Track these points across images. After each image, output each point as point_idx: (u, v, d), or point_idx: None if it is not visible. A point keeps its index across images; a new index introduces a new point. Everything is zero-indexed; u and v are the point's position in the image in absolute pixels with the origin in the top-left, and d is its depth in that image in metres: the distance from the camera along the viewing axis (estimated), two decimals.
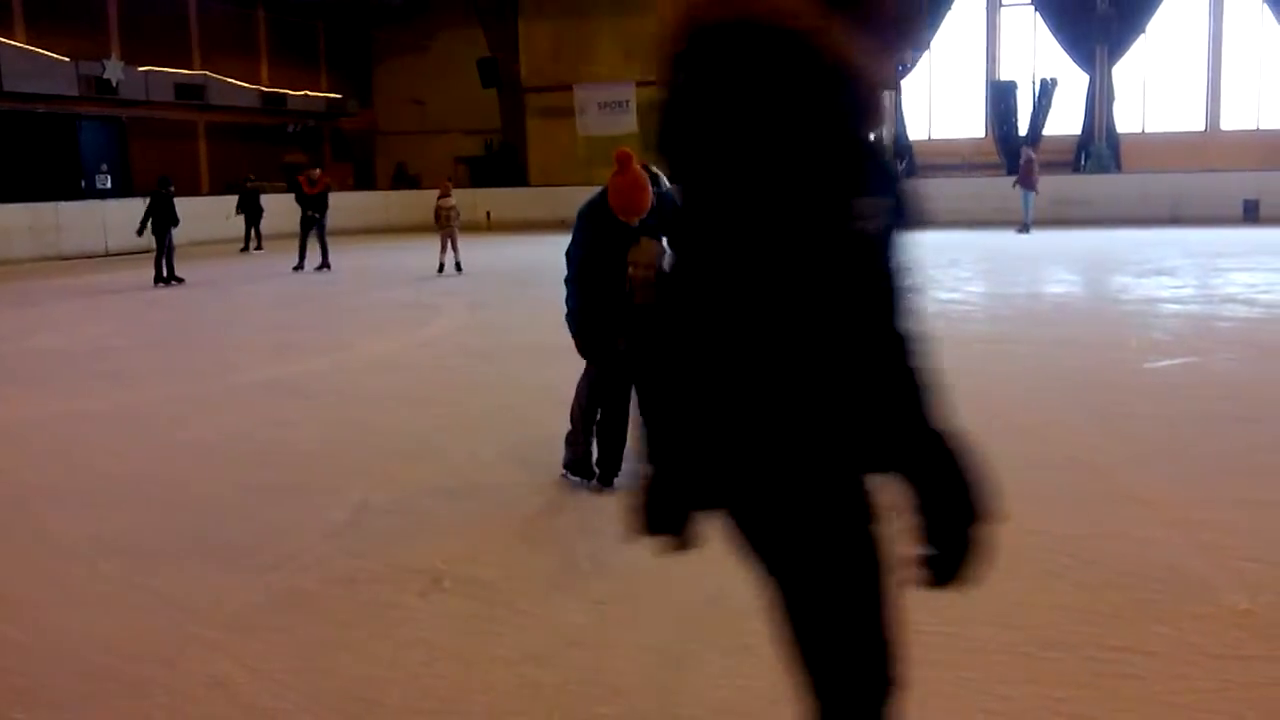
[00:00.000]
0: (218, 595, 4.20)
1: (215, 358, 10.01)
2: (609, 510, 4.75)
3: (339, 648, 3.70)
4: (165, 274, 16.46)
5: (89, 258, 21.77)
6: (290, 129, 30.22)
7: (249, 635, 3.82)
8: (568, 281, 5.28)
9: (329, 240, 18.05)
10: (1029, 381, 7.75)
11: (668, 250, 4.39)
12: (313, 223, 17.94)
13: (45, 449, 6.70)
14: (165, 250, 16.40)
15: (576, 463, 5.42)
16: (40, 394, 8.43)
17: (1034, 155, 22.28)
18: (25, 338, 11.56)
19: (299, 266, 17.93)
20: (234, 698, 3.35)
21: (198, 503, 5.45)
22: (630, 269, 4.96)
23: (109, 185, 24.85)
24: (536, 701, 3.27)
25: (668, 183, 4.53)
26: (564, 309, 5.32)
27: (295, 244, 18.21)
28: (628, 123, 28.29)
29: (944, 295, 12.79)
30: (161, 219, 16.42)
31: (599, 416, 5.35)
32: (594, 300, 5.15)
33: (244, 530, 4.98)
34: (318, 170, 18.81)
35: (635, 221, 5.04)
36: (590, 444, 5.39)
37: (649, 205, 5.03)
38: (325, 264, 17.92)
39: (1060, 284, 14.14)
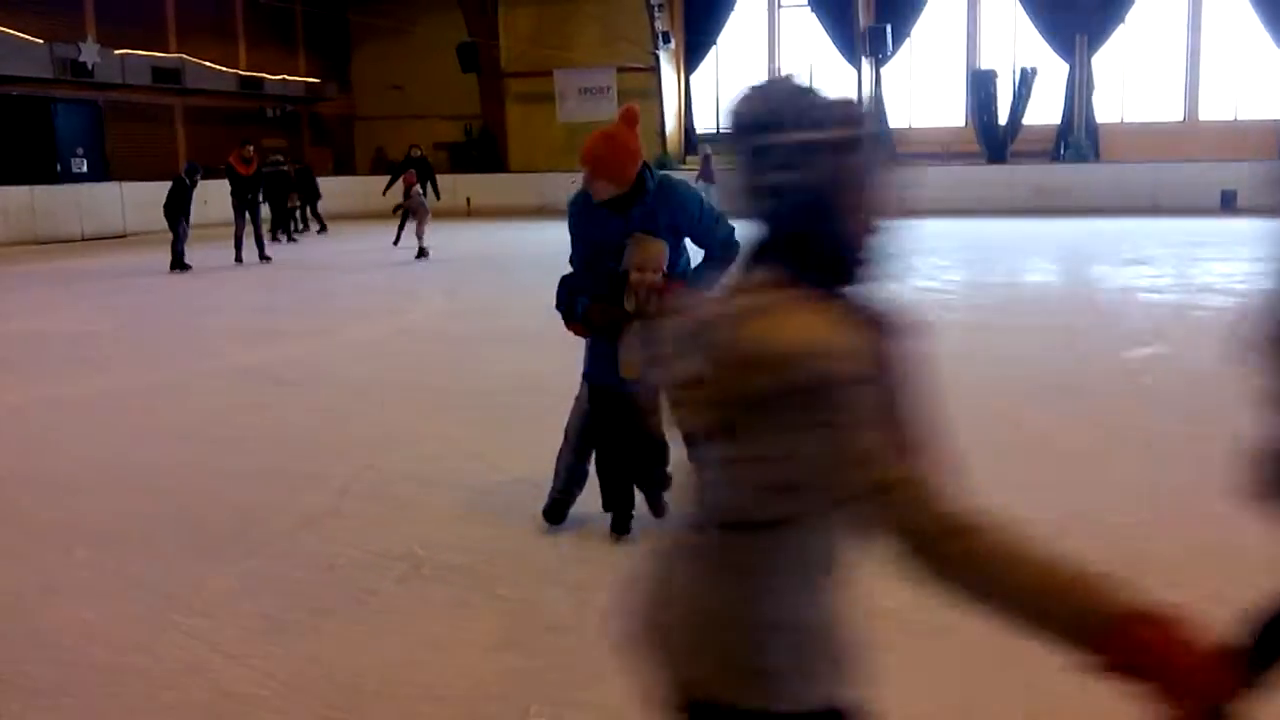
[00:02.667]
0: (196, 581, 4.19)
1: (193, 343, 9.96)
2: (588, 496, 4.75)
3: (318, 634, 3.70)
4: (180, 261, 16.12)
5: (65, 242, 21.59)
6: (269, 113, 30.00)
7: (227, 621, 3.82)
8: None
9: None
10: (1005, 368, 7.79)
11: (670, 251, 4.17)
12: (252, 206, 17.24)
13: (21, 435, 6.66)
14: (180, 237, 16.06)
15: (552, 506, 4.65)
16: (16, 379, 8.37)
17: (710, 152, 23.07)
18: (1, 323, 11.47)
19: (239, 259, 17.07)
20: (212, 683, 3.35)
21: (175, 489, 5.43)
22: (633, 274, 4.13)
23: (85, 169, 24.62)
24: (516, 687, 3.28)
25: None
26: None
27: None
28: (608, 109, 28.20)
29: (922, 283, 12.84)
30: (176, 206, 16.13)
31: (597, 455, 4.58)
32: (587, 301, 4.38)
33: (222, 516, 4.97)
34: (251, 147, 18.03)
35: (605, 193, 4.19)
36: (573, 490, 4.65)
37: (622, 178, 4.16)
38: (264, 255, 17.17)
39: (1039, 273, 14.21)
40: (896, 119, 27.80)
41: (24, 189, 21.87)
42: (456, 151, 30.63)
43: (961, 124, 27.62)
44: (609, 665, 3.38)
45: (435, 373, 8.45)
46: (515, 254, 17.24)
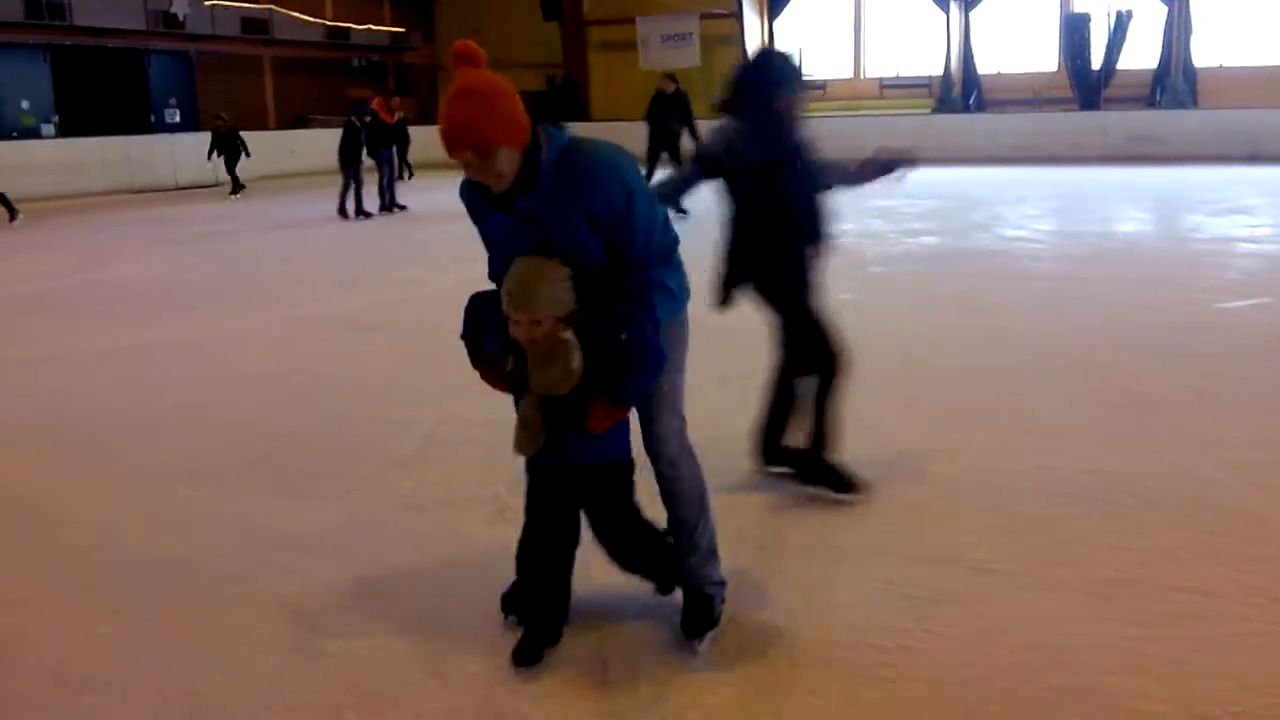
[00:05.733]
0: (288, 521, 4.33)
1: (282, 291, 10.17)
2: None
3: (405, 573, 3.81)
4: (356, 206, 16.29)
5: (158, 191, 22.11)
6: (354, 63, 30.27)
7: (319, 559, 3.95)
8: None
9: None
10: (1095, 320, 7.64)
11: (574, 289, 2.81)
12: (389, 156, 17.09)
13: (122, 378, 6.88)
14: (354, 183, 16.22)
15: (508, 596, 3.36)
16: (116, 324, 8.65)
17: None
18: (98, 269, 11.81)
19: (393, 205, 17.00)
20: (304, 618, 3.47)
21: (267, 432, 5.59)
22: (510, 324, 2.86)
23: (177, 119, 25.12)
24: (602, 627, 3.34)
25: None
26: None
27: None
28: (690, 56, 27.99)
29: (1010, 233, 12.61)
30: (351, 150, 16.23)
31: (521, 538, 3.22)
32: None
33: (313, 459, 5.11)
34: (398, 98, 18.05)
35: (471, 164, 2.73)
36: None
37: (492, 137, 2.67)
38: (395, 204, 17.10)
39: (1131, 222, 13.84)
40: (986, 64, 27.14)
41: (119, 139, 22.41)
42: (539, 100, 30.62)
43: (1053, 69, 26.87)
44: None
45: None
46: None
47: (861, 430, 4.75)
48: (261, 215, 17.17)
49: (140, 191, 21.79)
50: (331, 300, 9.57)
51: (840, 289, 9.05)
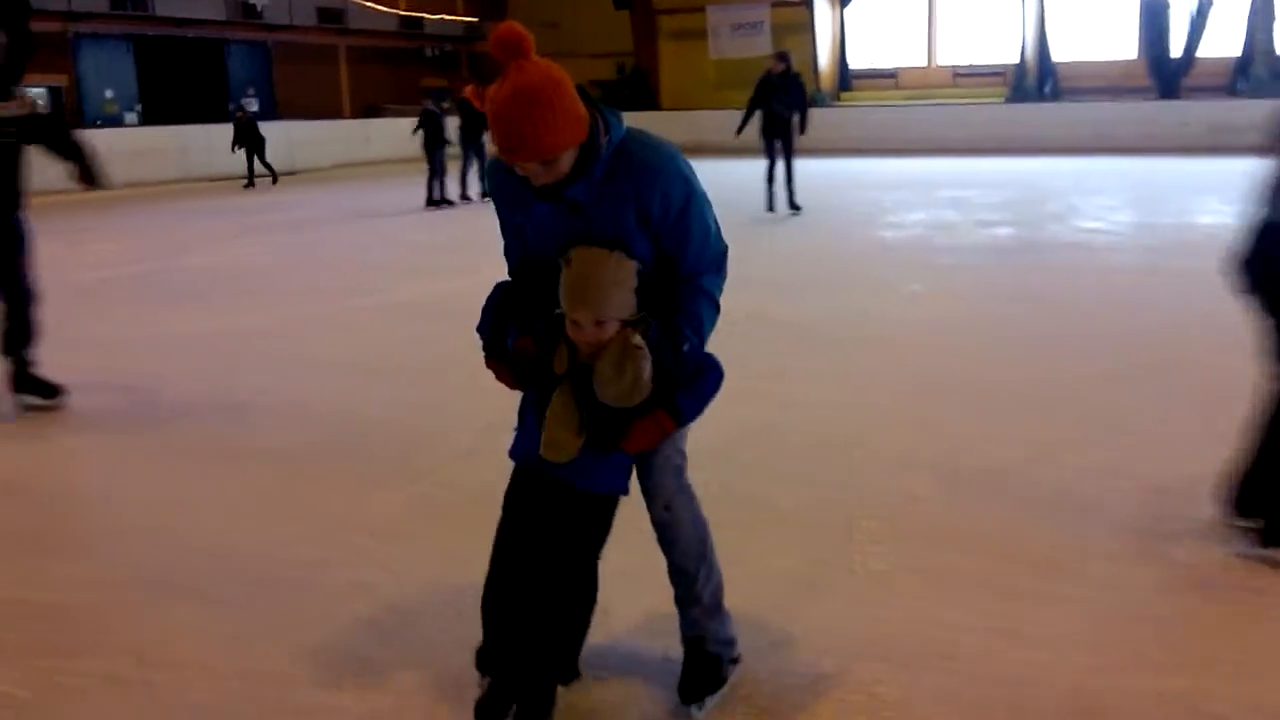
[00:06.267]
0: (364, 504, 4.42)
1: (356, 278, 10.32)
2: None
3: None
4: (439, 195, 16.39)
5: (236, 179, 22.51)
6: (428, 53, 30.57)
7: (392, 543, 4.02)
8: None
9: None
10: (1173, 316, 7.50)
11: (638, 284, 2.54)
12: (479, 145, 16.75)
13: (205, 363, 7.03)
14: (439, 170, 16.36)
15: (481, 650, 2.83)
16: (197, 310, 8.84)
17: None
18: (177, 256, 12.08)
19: (462, 197, 16.85)
20: (378, 599, 3.53)
21: (341, 417, 5.69)
22: (568, 325, 2.56)
23: (256, 108, 25.58)
24: (669, 616, 3.35)
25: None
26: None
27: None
28: (762, 44, 27.82)
29: (1087, 225, 12.40)
30: (435, 138, 16.43)
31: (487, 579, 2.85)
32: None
33: (387, 445, 5.19)
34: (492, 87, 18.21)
35: (543, 176, 2.47)
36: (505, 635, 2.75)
37: (560, 146, 2.41)
38: (474, 194, 16.81)
39: (1213, 214, 13.52)
40: (1062, 52, 26.66)
41: (198, 128, 22.85)
42: (609, 90, 30.69)
43: (1132, 57, 26.33)
44: (763, 596, 3.44)
45: None
46: None
47: None
48: (336, 204, 17.43)
49: (216, 180, 22.21)
50: (405, 288, 9.69)
51: (910, 280, 9.04)
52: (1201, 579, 3.53)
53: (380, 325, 8.14)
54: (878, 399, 5.71)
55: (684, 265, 2.62)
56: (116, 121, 23.17)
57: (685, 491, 2.87)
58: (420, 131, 16.55)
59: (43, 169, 5.91)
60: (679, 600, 2.92)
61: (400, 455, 5.03)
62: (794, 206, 13.63)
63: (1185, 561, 3.65)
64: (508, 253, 2.91)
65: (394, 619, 3.41)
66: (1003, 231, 12.16)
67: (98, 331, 8.02)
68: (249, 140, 20.49)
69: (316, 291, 9.67)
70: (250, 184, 20.63)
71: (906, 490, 4.36)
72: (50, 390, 5.92)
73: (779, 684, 2.97)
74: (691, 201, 2.58)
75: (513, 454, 2.82)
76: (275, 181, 21.00)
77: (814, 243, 11.83)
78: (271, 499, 4.54)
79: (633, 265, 2.52)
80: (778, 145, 13.68)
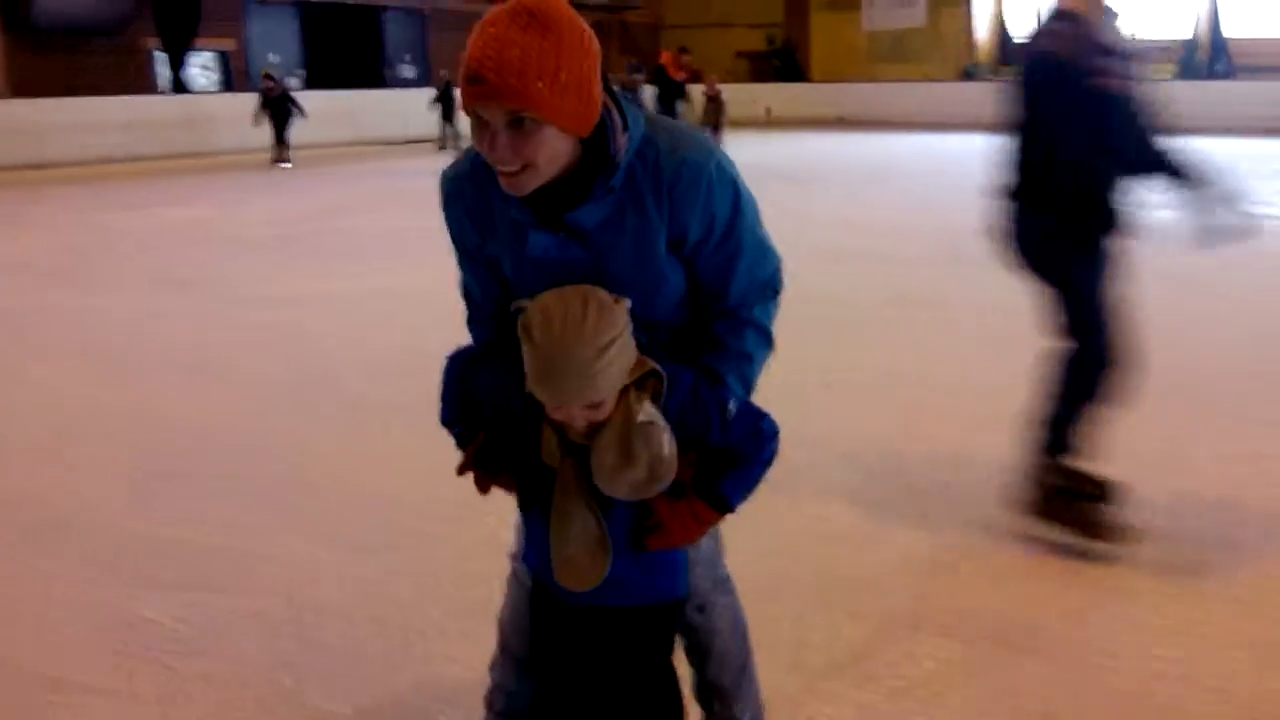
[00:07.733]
0: None
1: None
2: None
3: None
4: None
5: (390, 144, 23.09)
6: None
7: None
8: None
9: None
10: None
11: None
12: (674, 113, 16.10)
13: (351, 320, 7.30)
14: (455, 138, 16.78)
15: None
16: (350, 269, 9.18)
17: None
18: (335, 218, 12.50)
19: None
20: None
21: None
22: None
23: (413, 75, 26.16)
24: (785, 592, 3.35)
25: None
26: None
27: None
28: (916, 16, 27.25)
29: (1265, 209, 11.78)
30: (450, 109, 16.96)
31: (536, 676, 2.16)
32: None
33: None
34: (688, 56, 17.64)
35: (529, 178, 1.70)
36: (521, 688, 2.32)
37: (549, 100, 1.60)
38: None
39: None
40: (1234, 27, 25.37)
41: (356, 93, 23.50)
42: (756, 61, 30.47)
43: None
44: (892, 579, 3.41)
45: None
46: (813, 164, 17.06)
47: None
48: None
49: (371, 144, 22.80)
50: None
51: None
52: None
53: None
54: None
55: (729, 298, 1.92)
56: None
57: (723, 585, 2.21)
58: (439, 104, 16.23)
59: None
60: None
61: None
62: None
63: None
64: (470, 294, 2.21)
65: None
66: (1167, 215, 11.63)
67: (258, 288, 8.38)
68: (278, 113, 18.93)
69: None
70: (444, 147, 20.19)
71: None
72: None
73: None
74: (741, 213, 1.87)
75: (526, 560, 2.09)
76: (277, 162, 19.02)
77: None
78: (407, 454, 4.66)
79: (621, 309, 1.73)
80: None
